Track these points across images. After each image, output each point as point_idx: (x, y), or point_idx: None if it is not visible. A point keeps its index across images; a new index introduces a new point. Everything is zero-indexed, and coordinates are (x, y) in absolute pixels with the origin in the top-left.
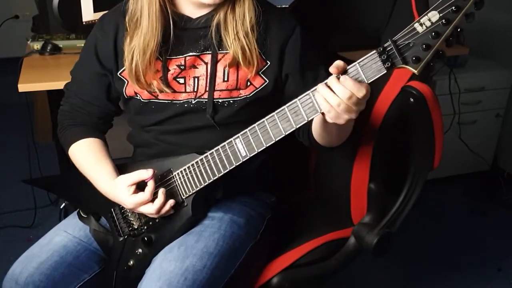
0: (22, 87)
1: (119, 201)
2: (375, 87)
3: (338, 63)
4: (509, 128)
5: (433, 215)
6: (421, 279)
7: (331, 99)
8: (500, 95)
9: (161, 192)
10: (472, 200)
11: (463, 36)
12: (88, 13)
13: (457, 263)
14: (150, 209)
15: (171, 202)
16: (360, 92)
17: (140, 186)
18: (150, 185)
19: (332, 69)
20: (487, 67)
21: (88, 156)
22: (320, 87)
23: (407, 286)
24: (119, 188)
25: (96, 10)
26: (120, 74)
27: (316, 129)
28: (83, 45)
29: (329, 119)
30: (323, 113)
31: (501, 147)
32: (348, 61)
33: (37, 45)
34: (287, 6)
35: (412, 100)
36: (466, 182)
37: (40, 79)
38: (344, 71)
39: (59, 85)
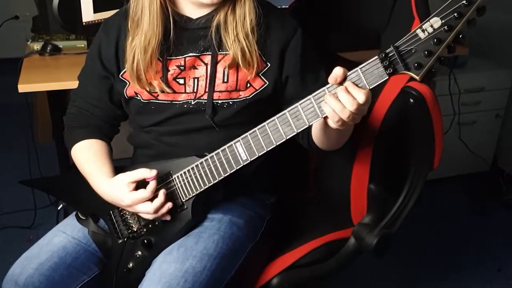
0: (22, 88)
1: (116, 198)
2: (374, 88)
3: (337, 72)
4: (509, 129)
5: (433, 216)
6: (421, 279)
7: (337, 107)
8: (499, 96)
9: (162, 192)
10: (472, 200)
11: (463, 37)
12: (88, 14)
13: (457, 263)
14: (148, 208)
15: (169, 204)
16: (360, 98)
17: (140, 186)
18: (152, 184)
19: (331, 79)
20: (487, 67)
21: (88, 156)
22: (328, 98)
23: (407, 286)
24: (118, 185)
25: (96, 10)
26: (121, 76)
27: (316, 133)
28: (83, 45)
29: (333, 125)
30: (325, 118)
31: (500, 147)
32: (348, 62)
33: (37, 46)
34: (287, 6)
35: (411, 100)
36: (466, 182)
37: (40, 80)
38: (344, 78)
39: (59, 85)
